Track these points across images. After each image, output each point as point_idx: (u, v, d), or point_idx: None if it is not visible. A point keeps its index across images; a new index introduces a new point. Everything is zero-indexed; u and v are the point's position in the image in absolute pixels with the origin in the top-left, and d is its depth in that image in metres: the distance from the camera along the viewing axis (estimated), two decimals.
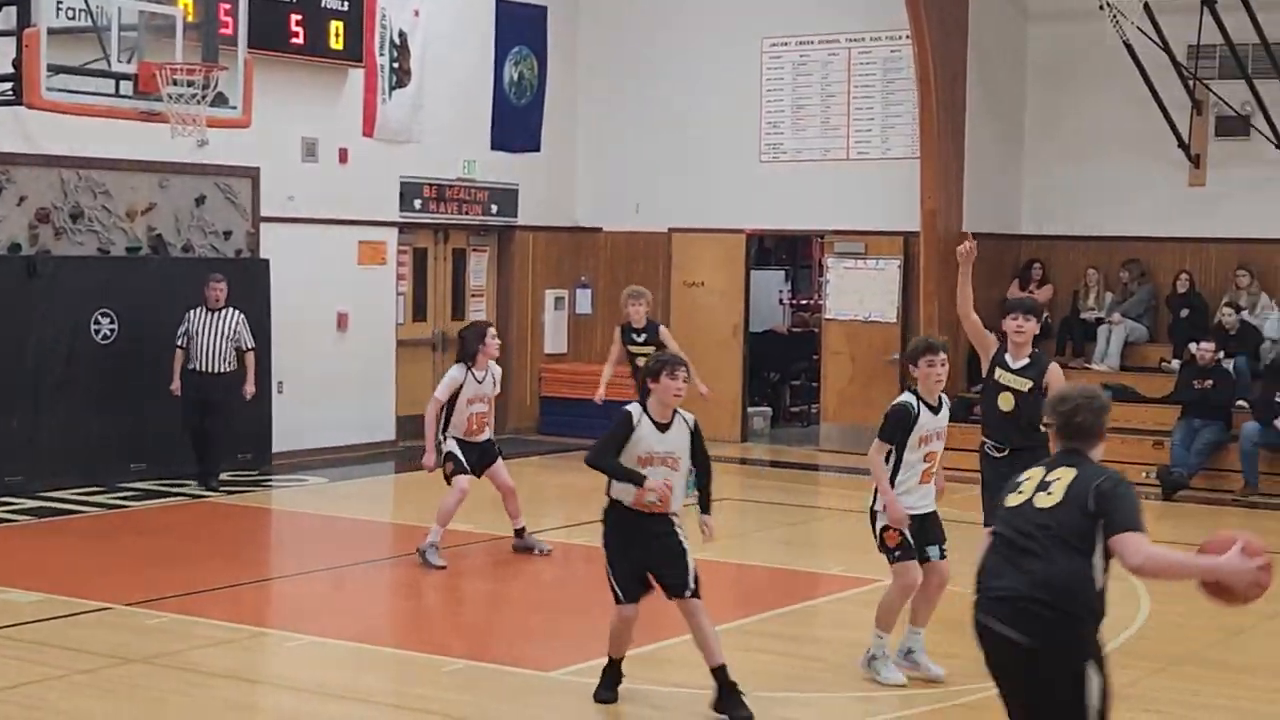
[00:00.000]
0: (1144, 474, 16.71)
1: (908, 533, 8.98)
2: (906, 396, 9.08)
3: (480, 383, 12.31)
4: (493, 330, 12.63)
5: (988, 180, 19.21)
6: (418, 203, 19.28)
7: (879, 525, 9.04)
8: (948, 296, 18.55)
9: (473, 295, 20.39)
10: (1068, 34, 18.99)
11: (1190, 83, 17.97)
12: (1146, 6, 16.59)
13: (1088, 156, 19.17)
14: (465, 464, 12.27)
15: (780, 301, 23.25)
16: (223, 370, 15.74)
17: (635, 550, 8.38)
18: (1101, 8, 16.43)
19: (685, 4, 20.67)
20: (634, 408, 8.43)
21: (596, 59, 21.20)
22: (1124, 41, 17.11)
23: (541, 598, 11.77)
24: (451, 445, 12.28)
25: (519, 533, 12.85)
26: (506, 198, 20.34)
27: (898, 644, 9.31)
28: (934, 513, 9.18)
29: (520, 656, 9.73)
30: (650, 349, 13.80)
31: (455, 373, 12.30)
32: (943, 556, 9.16)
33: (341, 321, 18.44)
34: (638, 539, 8.37)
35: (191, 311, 15.78)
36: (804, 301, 23.20)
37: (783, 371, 22.35)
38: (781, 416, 21.98)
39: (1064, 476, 5.82)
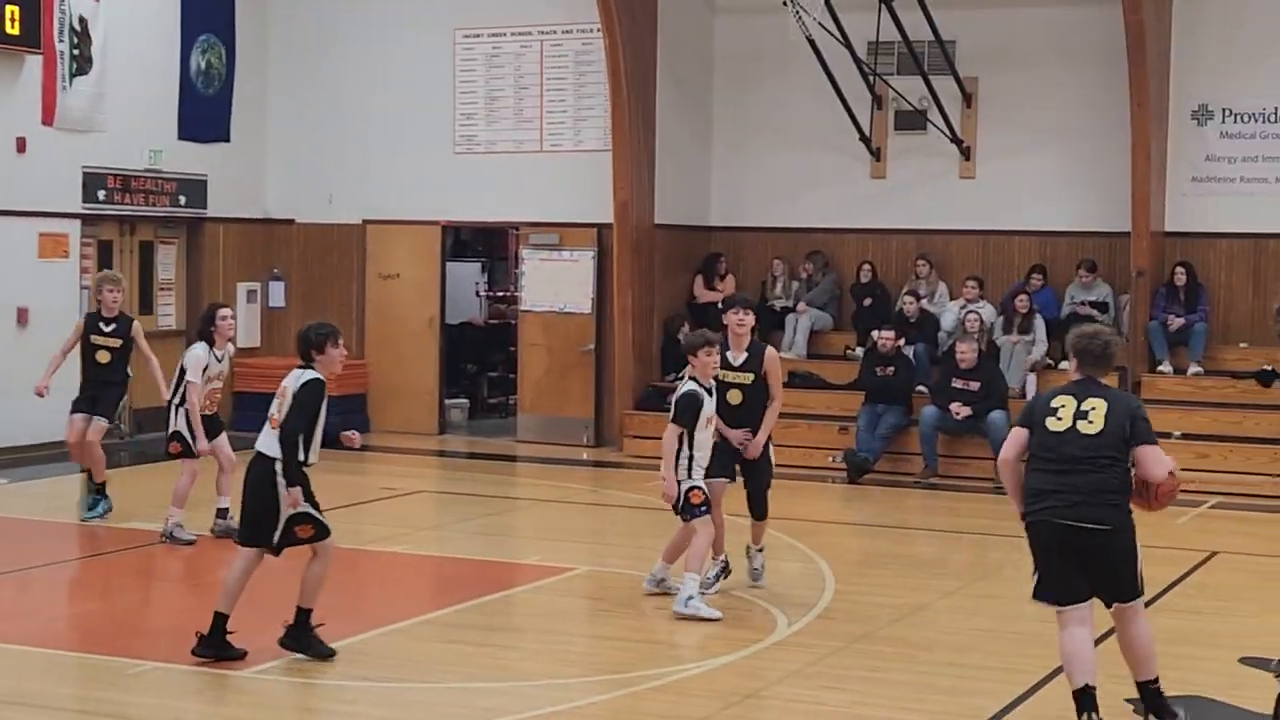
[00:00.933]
0: (830, 458, 17.24)
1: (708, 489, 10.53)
2: (691, 385, 10.45)
3: (220, 361, 12.81)
4: (224, 310, 12.96)
5: (678, 173, 19.53)
6: (102, 194, 18.75)
7: (684, 488, 10.45)
8: (641, 287, 18.89)
9: (161, 289, 19.92)
10: (753, 28, 19.41)
11: (870, 78, 18.54)
12: (828, 3, 17.05)
13: (774, 149, 19.63)
14: (193, 447, 12.64)
15: (477, 293, 23.25)
16: None
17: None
18: (785, 3, 16.83)
19: None
20: (319, 376, 9.18)
21: (287, 48, 20.90)
22: (807, 37, 17.56)
23: None
24: (180, 424, 12.66)
25: (222, 512, 12.86)
26: (195, 189, 19.92)
27: (651, 573, 10.95)
28: None
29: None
30: (117, 342, 13.52)
31: (200, 352, 12.67)
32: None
33: (21, 317, 17.84)
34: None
35: None
36: (500, 293, 23.24)
37: (480, 363, 22.37)
38: (479, 408, 22.00)
39: (1098, 406, 7.73)
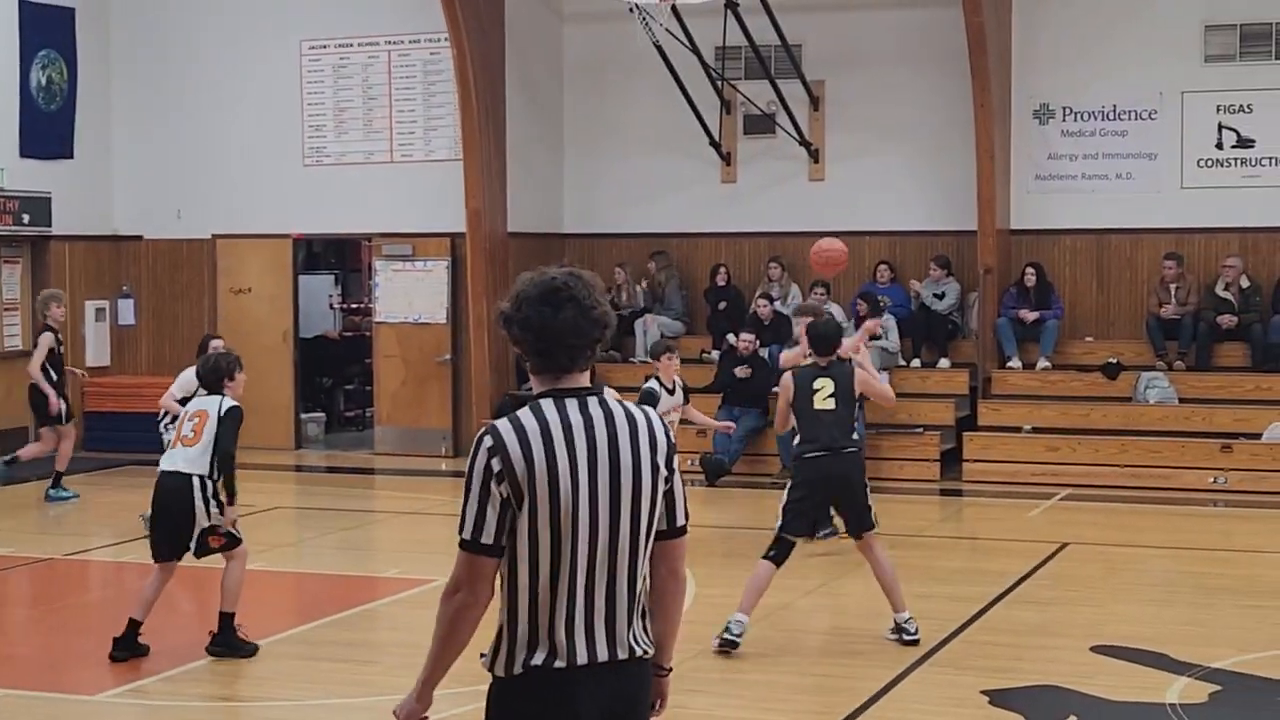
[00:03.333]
0: (689, 461, 17.30)
1: None
2: (651, 383, 12.83)
3: None
4: (217, 340, 13.84)
5: (530, 180, 19.52)
6: None
7: None
8: (496, 296, 18.80)
9: (6, 309, 19.51)
10: (601, 35, 19.46)
11: (718, 83, 18.67)
12: (674, 9, 17.13)
13: (626, 155, 19.70)
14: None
15: (331, 306, 23.07)
16: None
17: None
18: (630, 10, 16.89)
19: (220, 6, 20.27)
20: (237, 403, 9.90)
21: (130, 62, 20.60)
22: (654, 43, 17.64)
23: (87, 621, 11.40)
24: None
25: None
26: (39, 206, 19.53)
27: None
28: None
29: (63, 682, 9.42)
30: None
31: (192, 374, 12.69)
32: None
33: None
34: None
35: None
36: (355, 305, 23.08)
37: (335, 376, 22.19)
38: (336, 421, 21.84)
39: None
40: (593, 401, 4.39)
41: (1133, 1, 18.10)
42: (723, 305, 18.96)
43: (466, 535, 4.30)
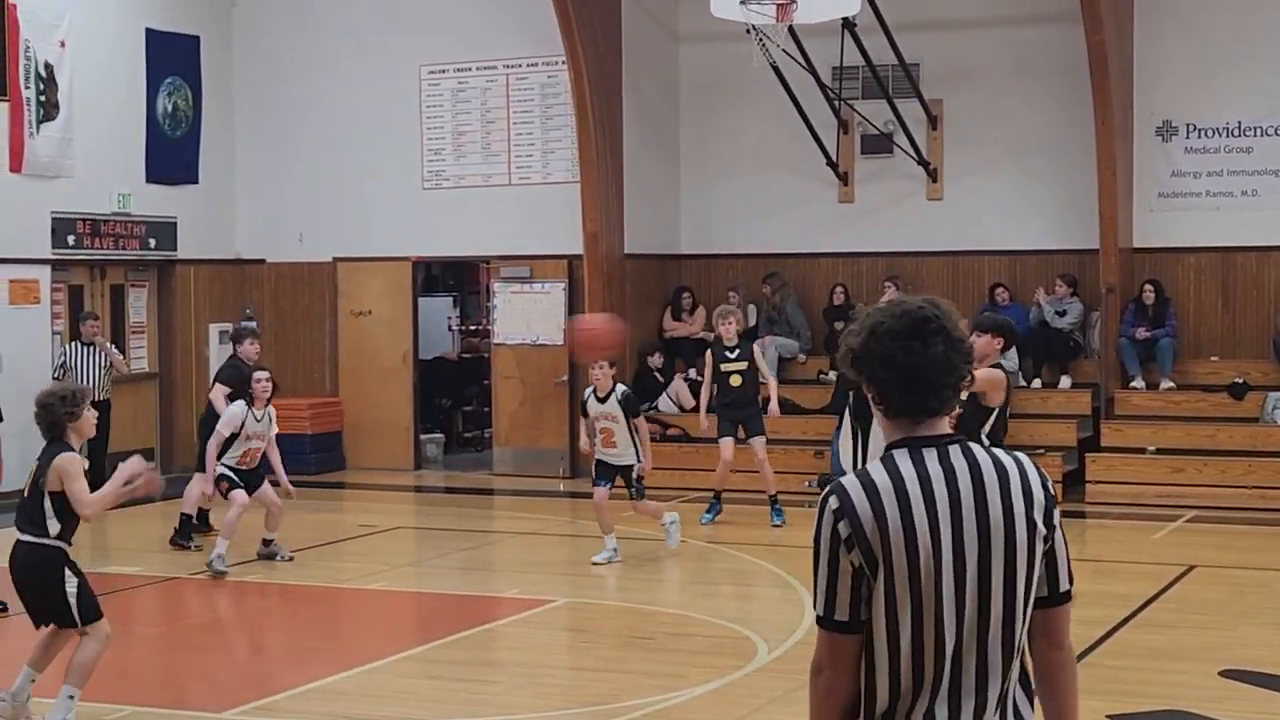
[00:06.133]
0: (806, 483, 17.25)
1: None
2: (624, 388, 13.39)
3: (259, 421, 13.44)
4: (259, 374, 13.69)
5: (647, 202, 19.56)
6: (71, 239, 18.71)
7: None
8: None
9: (133, 332, 19.88)
10: (717, 57, 19.45)
11: (835, 103, 18.60)
12: (791, 30, 17.09)
13: (742, 176, 19.68)
14: (239, 481, 13.40)
15: (449, 328, 23.26)
16: (102, 398, 16.79)
17: None
18: (748, 31, 16.87)
19: (341, 32, 20.54)
20: None
21: (252, 88, 20.91)
22: (771, 64, 17.59)
23: (211, 639, 11.55)
24: (223, 469, 13.40)
25: (267, 542, 13.80)
26: (165, 231, 19.89)
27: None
28: (629, 465, 13.42)
29: (189, 699, 9.54)
30: (743, 365, 15.20)
31: (237, 410, 13.38)
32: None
33: None
34: None
35: (68, 345, 17.44)
36: (473, 327, 23.26)
37: (454, 397, 22.36)
38: (454, 442, 21.98)
39: None
40: (954, 450, 3.80)
41: (1256, 16, 17.82)
42: (840, 324, 18.87)
43: (820, 611, 3.79)
